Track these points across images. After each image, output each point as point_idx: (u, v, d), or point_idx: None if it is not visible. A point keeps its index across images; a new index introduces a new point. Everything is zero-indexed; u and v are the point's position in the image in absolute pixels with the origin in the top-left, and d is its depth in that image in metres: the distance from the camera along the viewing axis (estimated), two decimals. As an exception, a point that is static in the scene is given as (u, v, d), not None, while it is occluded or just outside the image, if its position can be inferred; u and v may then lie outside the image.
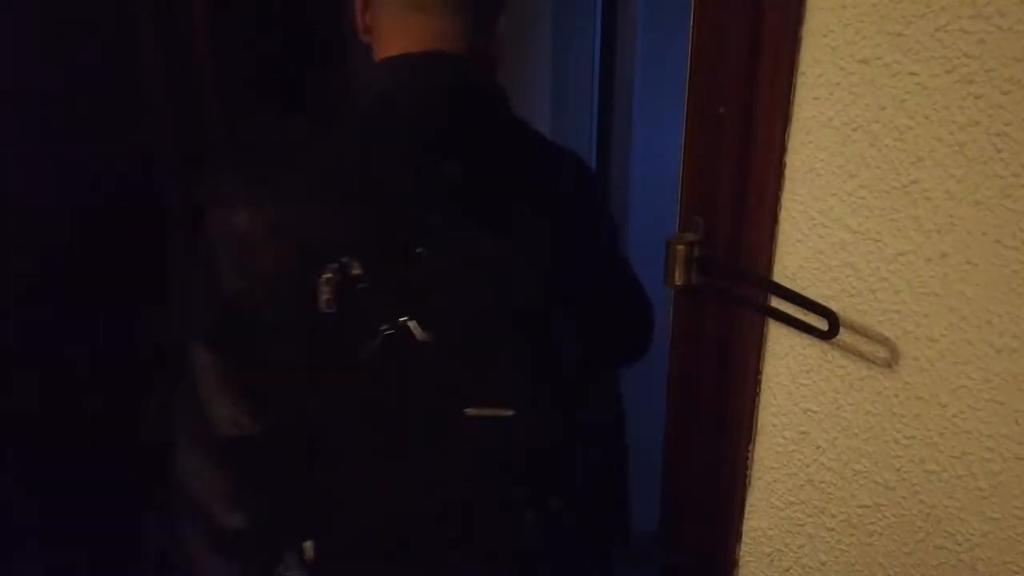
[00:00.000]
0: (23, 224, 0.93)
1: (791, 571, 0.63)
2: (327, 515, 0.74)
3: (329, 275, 0.64)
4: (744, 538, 0.65)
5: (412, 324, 0.66)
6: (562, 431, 0.79)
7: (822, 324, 0.52)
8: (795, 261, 0.55)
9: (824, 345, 0.55)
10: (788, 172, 0.54)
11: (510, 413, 0.71)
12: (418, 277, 0.67)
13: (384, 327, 0.66)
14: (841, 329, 0.52)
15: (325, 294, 0.64)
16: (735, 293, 0.59)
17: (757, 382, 0.60)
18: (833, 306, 0.52)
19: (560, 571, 0.83)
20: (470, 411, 0.69)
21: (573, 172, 0.77)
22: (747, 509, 0.64)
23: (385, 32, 0.69)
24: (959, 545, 0.53)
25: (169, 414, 0.73)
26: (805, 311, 0.54)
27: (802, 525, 0.61)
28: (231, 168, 0.72)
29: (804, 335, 0.55)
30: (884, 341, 0.52)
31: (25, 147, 0.91)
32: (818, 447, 0.58)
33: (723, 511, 0.65)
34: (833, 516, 0.59)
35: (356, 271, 0.64)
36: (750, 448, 0.62)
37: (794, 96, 0.52)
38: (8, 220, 0.92)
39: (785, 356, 0.58)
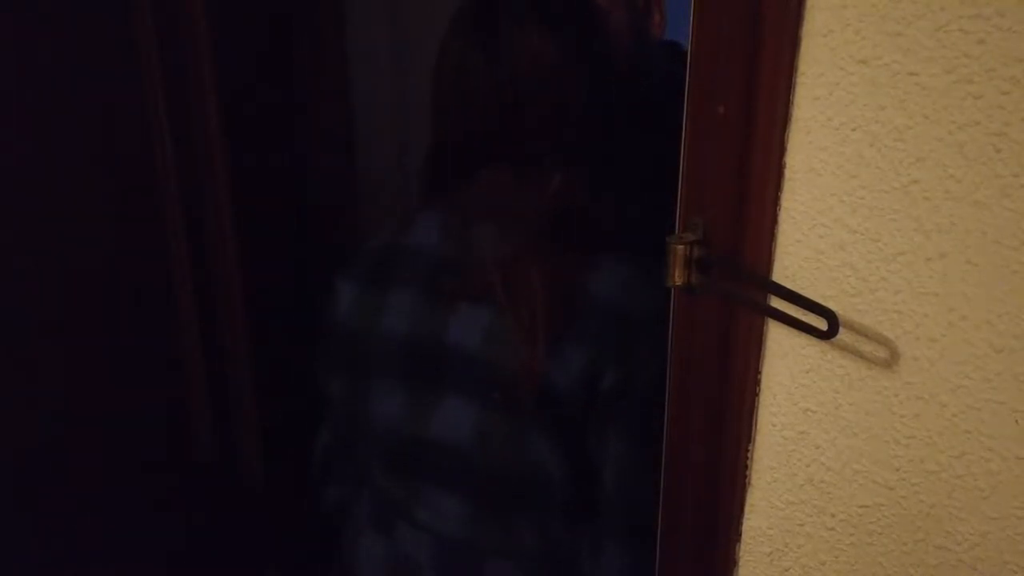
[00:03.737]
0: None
1: (791, 571, 0.63)
2: None
3: None
4: (744, 538, 0.65)
5: None
6: None
7: (822, 324, 0.52)
8: (795, 261, 0.55)
9: (824, 345, 0.55)
10: (788, 172, 0.54)
11: None
12: None
13: None
14: (841, 329, 0.52)
15: None
16: (735, 293, 0.59)
17: (757, 382, 0.60)
18: (833, 306, 0.52)
19: None
20: None
21: None
22: (747, 509, 0.64)
23: None
24: (959, 545, 0.53)
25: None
26: (805, 311, 0.54)
27: (802, 525, 0.61)
28: None
29: (804, 335, 0.55)
30: (884, 341, 0.52)
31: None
32: (818, 447, 0.58)
33: (722, 511, 0.65)
34: (833, 516, 0.59)
35: None
36: (750, 448, 0.62)
37: (794, 96, 0.52)
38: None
39: (785, 356, 0.58)
